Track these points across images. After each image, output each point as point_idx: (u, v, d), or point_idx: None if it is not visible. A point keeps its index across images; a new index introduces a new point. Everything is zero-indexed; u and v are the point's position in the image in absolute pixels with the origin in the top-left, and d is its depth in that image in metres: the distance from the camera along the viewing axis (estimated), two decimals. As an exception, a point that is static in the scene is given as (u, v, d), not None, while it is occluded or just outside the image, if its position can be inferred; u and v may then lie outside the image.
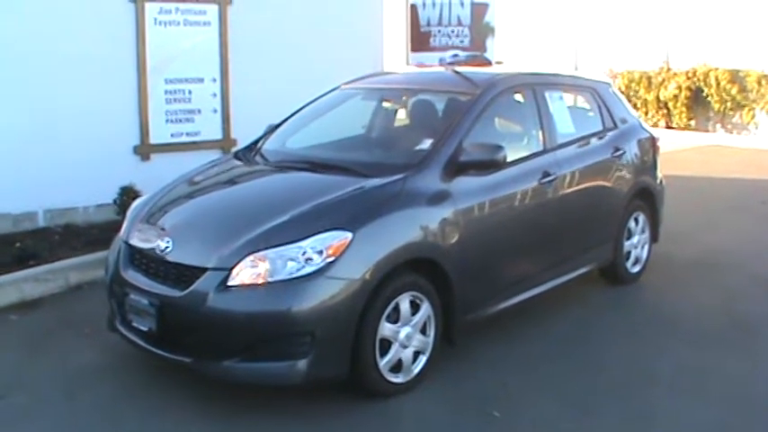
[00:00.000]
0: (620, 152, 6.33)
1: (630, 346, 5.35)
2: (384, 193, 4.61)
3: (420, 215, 4.61)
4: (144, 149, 8.59)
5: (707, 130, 16.46)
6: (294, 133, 5.83)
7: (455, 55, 9.02)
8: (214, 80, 9.02)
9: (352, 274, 4.16)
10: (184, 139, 8.86)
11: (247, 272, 4.12)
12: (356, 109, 6.13)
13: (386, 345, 4.38)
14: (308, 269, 4.09)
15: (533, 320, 5.68)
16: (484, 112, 5.27)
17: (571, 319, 5.81)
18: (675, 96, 16.53)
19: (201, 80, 8.95)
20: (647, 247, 6.79)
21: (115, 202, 8.00)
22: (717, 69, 16.05)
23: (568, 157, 5.79)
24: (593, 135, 6.28)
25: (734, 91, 15.81)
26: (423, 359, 4.61)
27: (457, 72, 5.95)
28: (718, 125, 16.53)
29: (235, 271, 4.13)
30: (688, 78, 16.41)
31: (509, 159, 5.07)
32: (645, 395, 4.60)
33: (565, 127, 5.99)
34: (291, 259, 4.12)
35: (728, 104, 16.03)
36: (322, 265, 4.10)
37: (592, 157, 6.07)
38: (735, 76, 15.83)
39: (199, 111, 8.97)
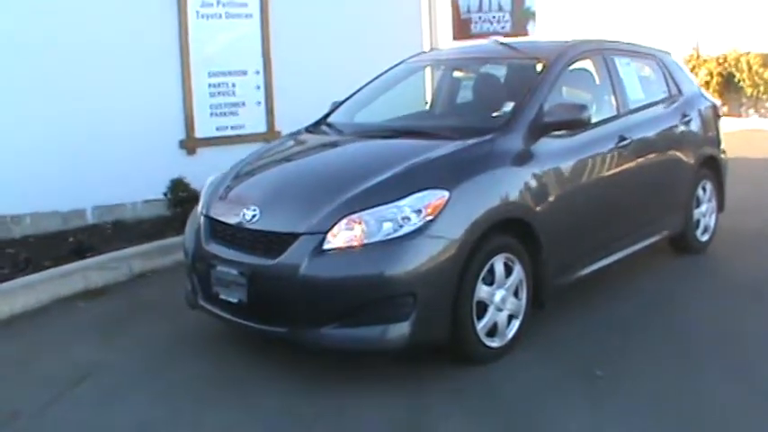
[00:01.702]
0: (688, 119, 6.23)
1: (713, 310, 5.25)
2: (474, 153, 4.52)
3: (510, 175, 4.52)
4: (190, 143, 8.54)
5: (740, 116, 16.31)
6: (363, 107, 5.72)
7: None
8: (257, 72, 8.98)
9: (451, 234, 4.05)
10: (229, 132, 8.80)
11: (343, 235, 4.01)
12: (426, 81, 6.04)
13: (482, 308, 4.27)
14: (407, 228, 3.99)
15: (611, 290, 5.59)
16: (560, 76, 5.18)
17: (649, 287, 5.72)
18: (707, 83, 16.34)
19: (245, 72, 8.92)
20: (714, 216, 6.68)
21: (166, 195, 7.94)
22: (748, 54, 15.92)
23: (641, 122, 5.69)
24: (661, 101, 6.19)
25: (766, 74, 15.66)
26: (516, 323, 4.50)
27: (525, 43, 5.88)
28: (752, 110, 16.38)
29: (330, 234, 4.02)
30: (719, 64, 16.28)
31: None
32: (739, 354, 4.50)
33: (635, 93, 5.90)
34: (388, 220, 4.01)
35: (761, 88, 15.87)
36: (421, 224, 4.00)
37: (662, 123, 5.97)
38: (767, 60, 15.70)
39: (243, 103, 8.92)
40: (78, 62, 7.68)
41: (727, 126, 14.73)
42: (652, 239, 5.88)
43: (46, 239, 7.29)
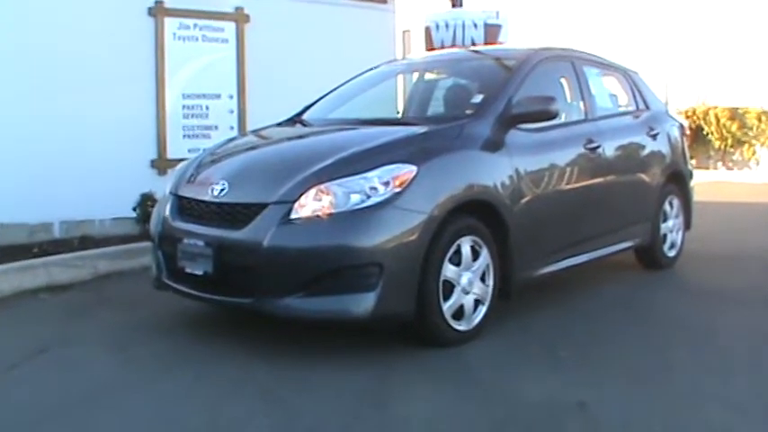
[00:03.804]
0: (655, 132, 6.32)
1: (679, 307, 5.38)
2: (445, 135, 4.58)
3: (479, 158, 4.57)
4: (161, 164, 8.50)
5: (707, 168, 16.59)
6: (336, 108, 5.74)
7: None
8: (231, 97, 9.01)
9: (418, 207, 4.06)
10: (201, 154, 8.78)
11: (311, 205, 4.00)
12: (399, 84, 6.11)
13: (448, 288, 4.25)
14: (375, 199, 3.99)
15: (580, 291, 5.66)
16: (530, 74, 5.23)
17: (617, 290, 5.81)
18: (675, 135, 16.67)
19: (218, 96, 8.94)
20: (681, 233, 6.73)
21: (134, 209, 7.88)
22: (716, 107, 16.28)
23: (608, 129, 5.77)
24: (628, 113, 6.30)
25: (734, 128, 16.01)
26: (482, 309, 4.47)
27: (496, 48, 5.98)
28: (719, 163, 16.67)
29: (298, 204, 4.01)
30: (687, 117, 16.60)
31: (556, 122, 5.06)
32: (709, 341, 4.54)
33: (603, 101, 6.02)
34: (356, 192, 4.01)
35: (729, 141, 16.22)
36: (389, 195, 4.00)
37: (630, 133, 6.07)
38: (734, 114, 16.07)
39: (216, 127, 8.91)
40: (53, 78, 7.68)
41: (695, 177, 15.15)
42: (621, 246, 5.92)
43: (10, 248, 7.19)
